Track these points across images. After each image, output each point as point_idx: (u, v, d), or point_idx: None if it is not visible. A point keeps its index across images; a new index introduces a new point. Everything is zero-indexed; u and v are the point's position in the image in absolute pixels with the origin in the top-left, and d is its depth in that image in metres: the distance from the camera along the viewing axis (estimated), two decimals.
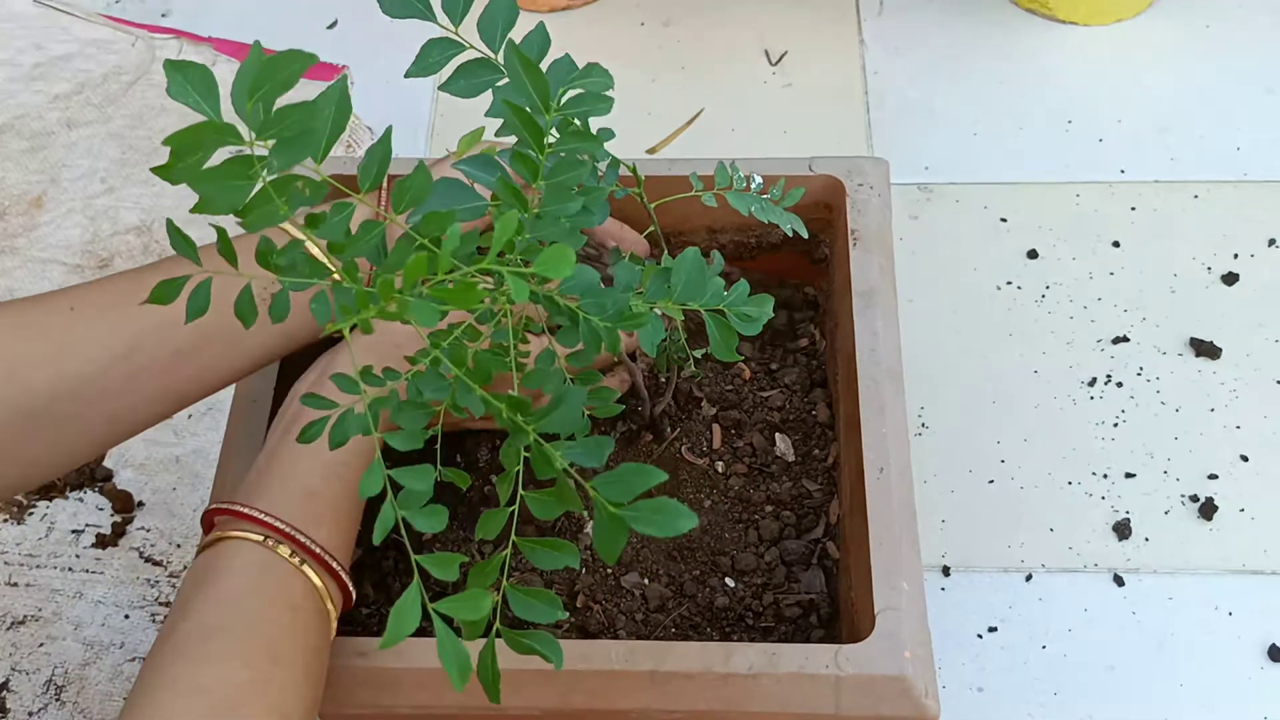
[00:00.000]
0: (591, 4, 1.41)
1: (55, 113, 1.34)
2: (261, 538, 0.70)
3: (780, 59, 1.36)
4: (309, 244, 0.70)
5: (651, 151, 1.26)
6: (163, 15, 1.44)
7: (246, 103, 0.48)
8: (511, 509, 0.59)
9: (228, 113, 0.51)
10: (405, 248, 0.54)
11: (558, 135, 0.62)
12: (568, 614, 0.65)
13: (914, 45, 1.36)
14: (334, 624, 0.71)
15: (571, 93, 0.63)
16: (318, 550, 0.70)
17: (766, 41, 1.37)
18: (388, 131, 0.58)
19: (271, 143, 0.50)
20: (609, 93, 0.64)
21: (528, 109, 0.59)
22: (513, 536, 0.59)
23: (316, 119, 0.49)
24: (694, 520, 0.53)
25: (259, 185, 0.51)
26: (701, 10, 1.40)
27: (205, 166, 0.50)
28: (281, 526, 0.70)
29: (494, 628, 0.59)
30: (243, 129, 0.50)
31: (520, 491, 0.59)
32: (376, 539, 0.58)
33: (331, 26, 1.41)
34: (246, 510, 0.71)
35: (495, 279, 0.58)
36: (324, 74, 1.34)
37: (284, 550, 0.70)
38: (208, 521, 0.74)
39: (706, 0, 1.41)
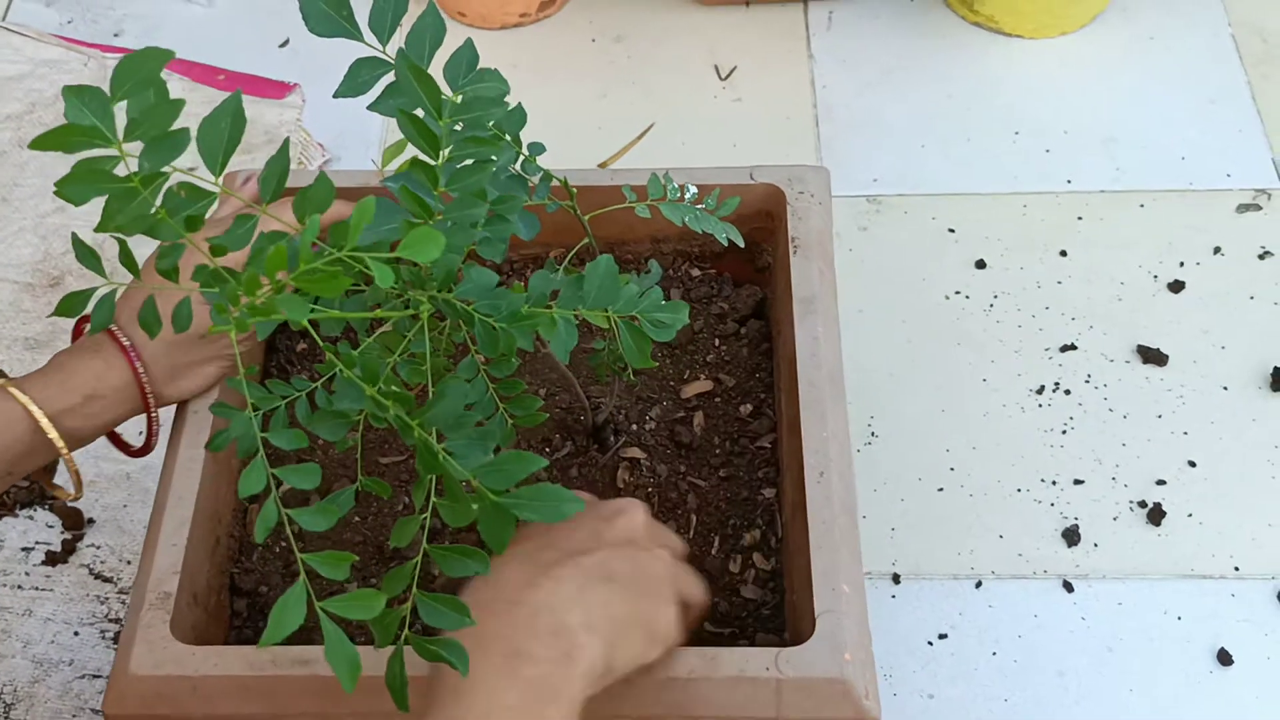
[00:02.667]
0: (543, 20, 1.42)
1: (7, 132, 1.34)
2: None
3: (730, 74, 1.37)
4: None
5: (603, 166, 1.26)
6: (115, 35, 1.44)
7: (110, 104, 0.49)
8: (424, 516, 0.59)
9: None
10: (267, 241, 0.54)
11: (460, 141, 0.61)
12: (475, 621, 0.64)
13: (862, 59, 1.37)
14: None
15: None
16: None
17: (716, 56, 1.38)
18: (285, 143, 0.58)
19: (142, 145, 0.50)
20: (515, 100, 0.64)
21: (421, 117, 0.59)
22: (424, 545, 0.59)
23: (171, 117, 0.49)
24: (580, 505, 0.53)
25: (158, 198, 0.52)
26: (652, 26, 1.41)
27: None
28: None
29: (403, 634, 0.59)
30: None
31: (434, 500, 0.59)
32: (259, 538, 0.57)
33: (283, 45, 1.42)
34: None
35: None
36: (274, 91, 1.35)
37: None
38: None
39: (657, 16, 1.42)
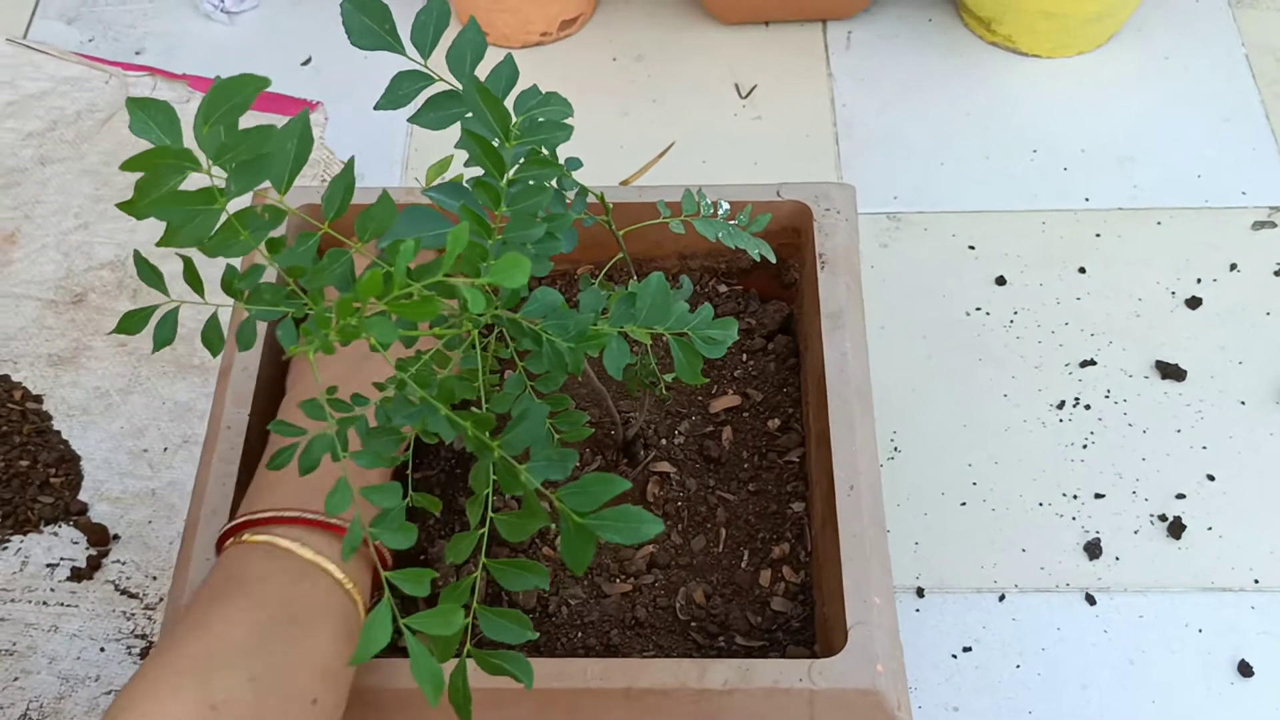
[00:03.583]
0: (565, 39, 1.43)
1: (29, 149, 1.35)
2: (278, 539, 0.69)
3: (750, 92, 1.38)
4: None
5: (624, 184, 1.27)
6: (136, 53, 1.45)
7: (203, 128, 0.49)
8: (482, 531, 0.60)
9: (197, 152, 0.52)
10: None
11: (523, 163, 0.62)
12: (538, 634, 0.66)
13: (881, 78, 1.38)
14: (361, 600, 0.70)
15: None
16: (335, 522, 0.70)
17: (736, 75, 1.40)
18: (350, 162, 0.59)
19: (230, 168, 0.51)
20: (569, 120, 0.65)
21: (488, 138, 0.60)
22: (483, 559, 0.60)
23: (271, 143, 0.50)
24: (659, 526, 0.54)
25: (224, 215, 0.52)
26: (672, 45, 1.43)
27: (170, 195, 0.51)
28: (293, 515, 0.70)
29: (465, 648, 0.59)
30: (203, 158, 0.51)
31: (490, 514, 0.60)
32: (345, 557, 0.58)
33: (306, 63, 1.43)
34: (260, 515, 0.70)
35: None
36: (297, 109, 1.36)
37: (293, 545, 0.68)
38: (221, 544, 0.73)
39: (677, 35, 1.43)
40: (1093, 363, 1.15)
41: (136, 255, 0.58)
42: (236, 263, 0.60)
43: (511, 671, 0.58)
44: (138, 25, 1.48)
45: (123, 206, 0.50)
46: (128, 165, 0.49)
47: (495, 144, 0.61)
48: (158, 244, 0.52)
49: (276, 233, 0.57)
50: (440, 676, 0.55)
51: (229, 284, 0.57)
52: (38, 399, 1.17)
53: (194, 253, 0.55)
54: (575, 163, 0.72)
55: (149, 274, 0.57)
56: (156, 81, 1.40)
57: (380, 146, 1.34)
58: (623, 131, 1.34)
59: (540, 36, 1.42)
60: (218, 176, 0.52)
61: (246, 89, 0.51)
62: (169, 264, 0.60)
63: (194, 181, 0.52)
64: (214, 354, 0.58)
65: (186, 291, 0.60)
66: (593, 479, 0.55)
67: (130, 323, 0.57)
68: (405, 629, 0.55)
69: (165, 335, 0.58)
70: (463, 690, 0.58)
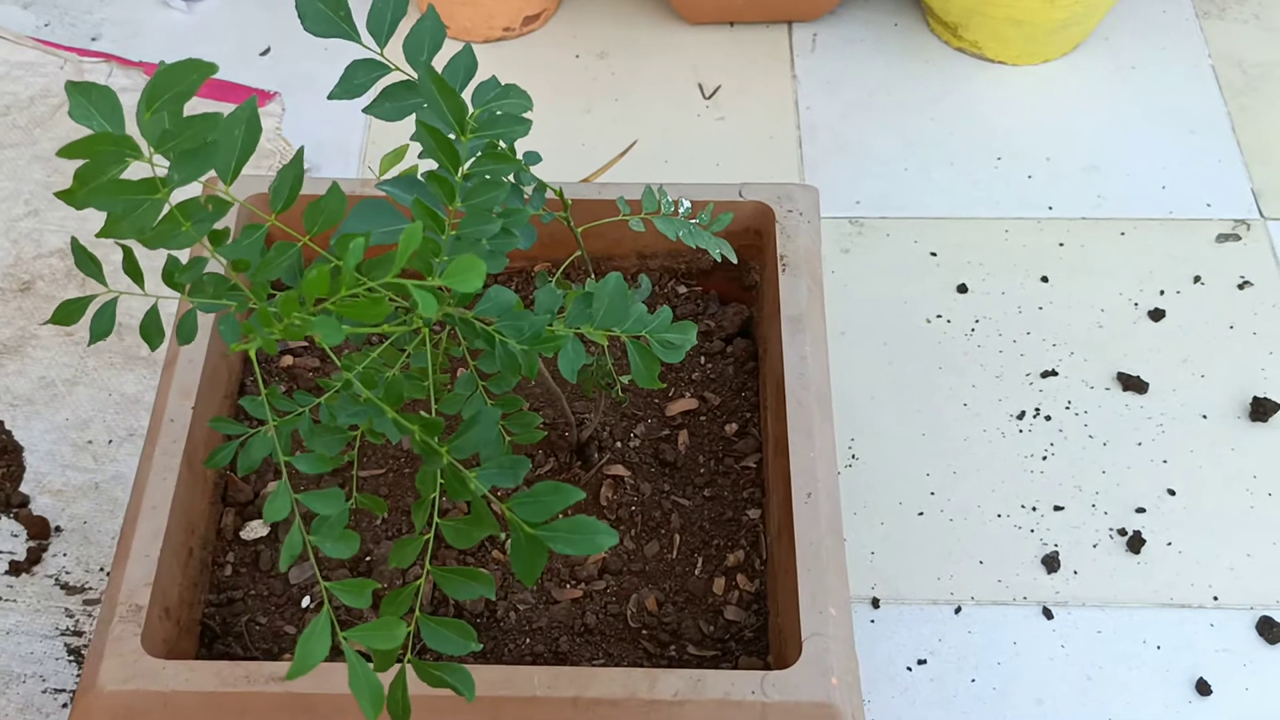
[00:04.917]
0: (527, 34, 1.41)
1: None
2: None
3: (714, 93, 1.36)
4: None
5: (585, 181, 1.25)
6: (93, 39, 1.42)
7: (145, 115, 0.48)
8: (427, 537, 0.58)
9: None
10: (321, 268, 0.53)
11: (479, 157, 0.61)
12: (481, 645, 0.64)
13: (847, 82, 1.37)
14: None
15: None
16: None
17: (700, 75, 1.38)
18: (299, 152, 0.57)
19: (172, 157, 0.49)
20: (528, 115, 0.63)
21: (444, 131, 0.58)
22: (428, 566, 0.58)
23: (217, 131, 0.48)
24: (614, 538, 0.52)
25: (166, 206, 0.50)
26: (636, 43, 1.41)
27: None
28: None
29: (405, 658, 0.58)
30: (145, 145, 0.49)
31: (437, 519, 0.58)
32: (283, 566, 0.56)
33: (265, 53, 1.40)
34: None
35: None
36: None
37: None
38: None
39: (641, 33, 1.42)
40: (1054, 373, 1.15)
41: (74, 243, 0.56)
42: (183, 254, 0.58)
43: (453, 684, 0.57)
44: (95, 11, 1.45)
45: (61, 195, 0.49)
46: (65, 151, 0.47)
47: (450, 137, 0.59)
48: (98, 235, 0.50)
49: (222, 224, 0.55)
50: (379, 690, 0.53)
51: (170, 276, 0.55)
52: None
53: (135, 242, 0.53)
54: (534, 157, 0.70)
55: (87, 263, 0.55)
56: (112, 68, 1.37)
57: (338, 138, 1.31)
58: (585, 129, 1.33)
59: (503, 31, 1.40)
60: (160, 165, 0.50)
61: (191, 75, 0.49)
62: (115, 253, 0.58)
63: (139, 170, 0.50)
64: (152, 347, 0.56)
65: (131, 283, 0.58)
66: (545, 488, 0.53)
67: (66, 313, 0.55)
68: (344, 641, 0.53)
69: (103, 327, 0.56)
70: (402, 701, 0.57)
